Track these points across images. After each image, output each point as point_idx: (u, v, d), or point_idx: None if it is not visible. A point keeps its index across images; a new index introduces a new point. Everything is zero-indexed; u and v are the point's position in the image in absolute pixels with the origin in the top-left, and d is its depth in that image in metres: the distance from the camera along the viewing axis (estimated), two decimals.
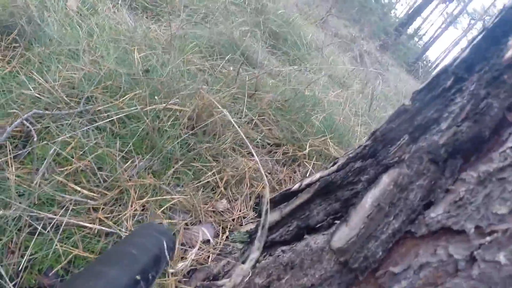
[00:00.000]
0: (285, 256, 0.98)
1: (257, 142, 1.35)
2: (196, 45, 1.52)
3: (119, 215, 1.06)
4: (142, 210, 1.06)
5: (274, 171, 1.29)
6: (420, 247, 0.81)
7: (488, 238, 0.77)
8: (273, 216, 1.06)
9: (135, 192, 1.07)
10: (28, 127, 1.14)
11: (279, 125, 1.40)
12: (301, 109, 1.46)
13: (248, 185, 1.21)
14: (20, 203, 1.05)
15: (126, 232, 1.04)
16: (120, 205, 1.08)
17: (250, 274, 1.01)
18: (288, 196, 1.12)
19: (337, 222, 0.92)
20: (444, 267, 0.79)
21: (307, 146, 1.34)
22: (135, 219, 1.08)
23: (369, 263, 0.82)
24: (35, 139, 1.05)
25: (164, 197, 1.07)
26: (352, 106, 1.83)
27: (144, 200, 1.04)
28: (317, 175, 1.07)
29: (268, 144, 1.37)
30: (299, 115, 1.45)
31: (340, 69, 2.26)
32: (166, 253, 0.67)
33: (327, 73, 2.01)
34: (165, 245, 0.66)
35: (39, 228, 1.05)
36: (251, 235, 1.09)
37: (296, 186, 1.15)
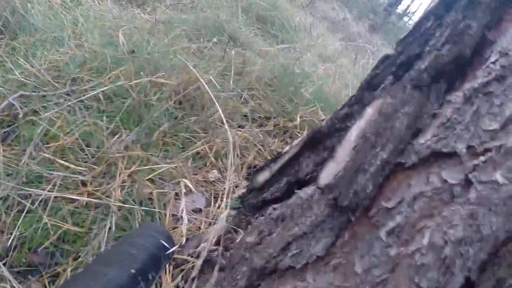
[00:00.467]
0: (276, 212, 0.95)
1: (247, 115, 1.33)
2: (183, 30, 1.54)
3: (108, 187, 1.04)
4: (131, 181, 1.04)
5: (266, 142, 1.27)
6: (412, 177, 0.77)
7: (482, 158, 0.73)
8: (263, 176, 1.03)
9: (123, 164, 1.06)
10: (16, 110, 1.15)
11: (269, 100, 1.39)
12: (291, 84, 1.45)
13: (239, 155, 1.19)
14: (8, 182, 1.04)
15: (115, 203, 1.02)
16: (109, 178, 1.06)
17: (242, 234, 0.98)
18: (278, 158, 1.09)
19: None
20: (439, 195, 0.74)
21: (298, 117, 1.32)
22: (124, 191, 1.06)
23: (360, 200, 0.78)
24: (20, 115, 1.05)
25: (152, 166, 1.05)
26: (342, 79, 1.81)
27: (132, 169, 1.03)
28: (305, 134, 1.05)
29: (259, 117, 1.35)
30: (289, 89, 1.43)
31: (330, 49, 2.25)
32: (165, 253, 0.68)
33: (316, 52, 2.01)
34: (164, 245, 0.68)
35: (28, 205, 1.03)
36: (243, 199, 1.05)
37: (286, 148, 1.13)
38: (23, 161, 1.10)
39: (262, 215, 0.99)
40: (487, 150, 0.73)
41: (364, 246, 0.79)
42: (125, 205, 0.98)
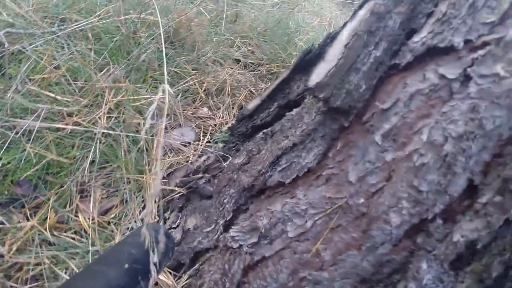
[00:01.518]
0: (259, 136, 0.91)
1: (239, 60, 1.30)
2: None
3: (94, 116, 1.00)
4: (118, 112, 1.01)
5: (258, 85, 1.23)
6: (407, 77, 0.73)
7: (480, 52, 0.69)
8: (253, 103, 0.99)
9: (110, 95, 1.02)
10: (2, 46, 1.12)
11: (262, 48, 1.35)
12: (284, 34, 1.41)
13: (230, 94, 1.15)
14: None
15: (100, 130, 0.98)
16: (95, 108, 1.02)
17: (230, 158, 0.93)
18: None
19: None
20: (437, 92, 0.70)
21: (292, 63, 1.28)
22: (111, 122, 1.02)
23: (353, 101, 0.74)
24: (7, 51, 1.02)
25: (140, 97, 1.01)
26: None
27: (118, 98, 0.99)
28: None
29: (251, 63, 1.31)
30: (282, 39, 1.40)
31: (326, 8, 2.22)
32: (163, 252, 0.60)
33: (310, 12, 1.98)
34: (165, 245, 0.60)
35: (11, 135, 0.99)
36: (233, 130, 1.01)
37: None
38: (8, 95, 1.07)
39: (251, 141, 0.95)
40: (486, 43, 0.69)
41: (358, 153, 0.75)
42: (110, 132, 0.94)
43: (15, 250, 0.88)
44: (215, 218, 0.88)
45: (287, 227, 0.79)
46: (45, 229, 0.92)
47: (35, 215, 0.96)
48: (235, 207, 0.86)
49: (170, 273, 0.89)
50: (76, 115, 1.03)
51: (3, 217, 0.94)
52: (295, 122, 0.82)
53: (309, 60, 0.92)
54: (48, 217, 0.93)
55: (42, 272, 0.90)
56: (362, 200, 0.72)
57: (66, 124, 1.01)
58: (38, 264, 0.89)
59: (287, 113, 0.90)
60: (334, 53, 0.74)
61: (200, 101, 1.12)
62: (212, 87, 1.15)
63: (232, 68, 1.22)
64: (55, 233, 0.93)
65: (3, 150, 0.99)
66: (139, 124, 1.01)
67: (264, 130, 0.92)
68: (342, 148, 0.77)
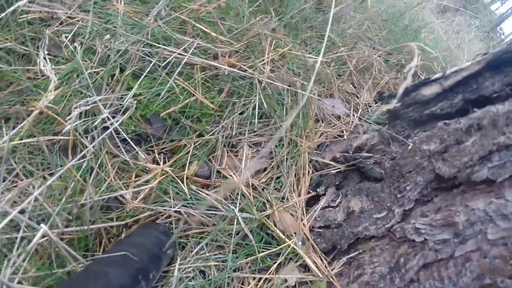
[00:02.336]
0: (453, 126, 0.83)
1: (374, 41, 1.22)
2: None
3: (256, 61, 0.87)
4: (281, 60, 0.89)
5: (391, 72, 1.15)
6: None
7: None
8: (431, 90, 0.91)
9: (267, 44, 0.90)
10: None
11: (385, 37, 1.28)
12: (406, 27, 1.35)
13: (373, 75, 1.07)
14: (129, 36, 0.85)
15: (262, 77, 0.86)
16: (250, 54, 0.90)
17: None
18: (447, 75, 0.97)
19: None
20: None
21: (418, 59, 1.22)
22: (271, 70, 0.89)
23: None
24: None
25: (298, 53, 0.90)
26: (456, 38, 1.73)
27: (283, 51, 0.87)
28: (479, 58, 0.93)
29: (382, 46, 1.23)
30: (407, 32, 1.34)
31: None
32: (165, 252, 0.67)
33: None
34: (165, 245, 0.67)
35: (153, 61, 0.85)
36: (398, 114, 0.92)
37: (437, 75, 1.01)
38: (148, 18, 0.91)
39: (425, 131, 0.87)
40: None
41: None
42: (274, 82, 0.83)
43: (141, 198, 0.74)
44: (388, 204, 0.80)
45: (487, 228, 0.71)
46: (181, 180, 0.78)
47: (168, 160, 0.82)
48: (418, 197, 0.77)
49: (321, 257, 0.79)
50: (229, 56, 0.90)
51: (127, 154, 0.80)
52: (511, 119, 0.75)
53: (506, 59, 0.85)
54: (187, 167, 0.80)
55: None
56: None
57: (220, 64, 0.87)
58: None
59: (475, 109, 0.83)
60: None
61: (348, 74, 1.03)
62: (359, 64, 1.05)
63: (374, 49, 1.13)
64: (193, 187, 0.79)
65: (141, 79, 0.85)
66: (292, 82, 0.89)
67: (446, 121, 0.84)
68: None
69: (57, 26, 0.86)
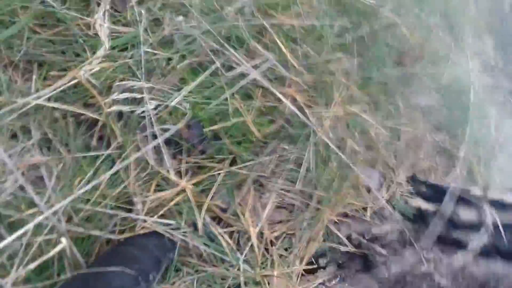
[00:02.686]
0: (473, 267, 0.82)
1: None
2: None
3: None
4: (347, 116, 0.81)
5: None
6: None
7: None
8: (466, 214, 0.88)
9: (340, 95, 0.82)
10: None
11: None
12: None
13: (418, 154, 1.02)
14: None
15: (319, 131, 0.79)
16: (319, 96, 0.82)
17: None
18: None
19: None
20: None
21: None
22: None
23: None
24: None
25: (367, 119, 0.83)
26: None
27: (350, 113, 0.80)
28: None
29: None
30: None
31: None
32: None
33: None
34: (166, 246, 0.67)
35: (217, 64, 0.75)
36: (422, 216, 0.90)
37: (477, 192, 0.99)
38: (229, 9, 0.79)
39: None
40: None
41: None
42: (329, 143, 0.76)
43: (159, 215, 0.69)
44: None
45: None
46: (198, 206, 0.73)
47: (191, 176, 0.76)
48: None
49: None
50: (297, 92, 0.81)
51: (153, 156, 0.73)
52: None
53: None
54: (210, 195, 0.74)
55: None
56: None
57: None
58: None
59: None
60: None
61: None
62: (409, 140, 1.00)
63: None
64: (207, 217, 0.74)
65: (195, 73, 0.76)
66: None
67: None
68: None
69: None
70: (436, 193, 0.98)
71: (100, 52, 0.67)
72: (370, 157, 0.92)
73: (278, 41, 0.80)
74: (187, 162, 0.77)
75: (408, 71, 1.10)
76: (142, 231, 0.66)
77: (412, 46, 1.12)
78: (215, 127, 0.76)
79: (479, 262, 0.80)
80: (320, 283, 0.81)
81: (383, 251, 0.84)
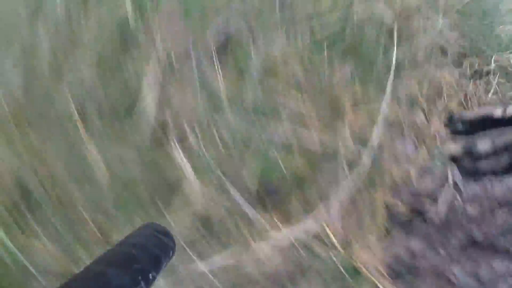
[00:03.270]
0: (494, 188, 0.95)
1: (446, 50, 1.20)
2: None
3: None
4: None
5: (460, 84, 1.18)
6: None
7: None
8: (483, 144, 1.00)
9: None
10: None
11: (462, 31, 1.24)
12: (484, 18, 1.27)
13: (445, 100, 1.12)
14: None
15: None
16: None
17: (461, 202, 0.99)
18: (488, 121, 1.05)
19: None
20: None
21: (492, 61, 1.20)
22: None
23: None
24: None
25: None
26: None
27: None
28: None
29: (456, 53, 1.22)
30: (482, 23, 1.26)
31: None
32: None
33: None
34: (165, 245, 0.66)
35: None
36: (453, 158, 1.04)
37: (498, 113, 1.07)
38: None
39: (475, 180, 1.00)
40: None
41: None
42: None
43: None
44: None
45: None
46: None
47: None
48: None
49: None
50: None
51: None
52: None
53: None
54: None
55: None
56: None
57: None
58: None
59: None
60: None
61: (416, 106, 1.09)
62: (429, 89, 1.10)
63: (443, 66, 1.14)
64: None
65: None
66: None
67: (490, 178, 0.97)
68: None
69: None
70: (470, 126, 1.10)
71: None
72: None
73: (289, 94, 1.00)
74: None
75: None
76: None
77: None
78: None
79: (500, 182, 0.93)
80: None
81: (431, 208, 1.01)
